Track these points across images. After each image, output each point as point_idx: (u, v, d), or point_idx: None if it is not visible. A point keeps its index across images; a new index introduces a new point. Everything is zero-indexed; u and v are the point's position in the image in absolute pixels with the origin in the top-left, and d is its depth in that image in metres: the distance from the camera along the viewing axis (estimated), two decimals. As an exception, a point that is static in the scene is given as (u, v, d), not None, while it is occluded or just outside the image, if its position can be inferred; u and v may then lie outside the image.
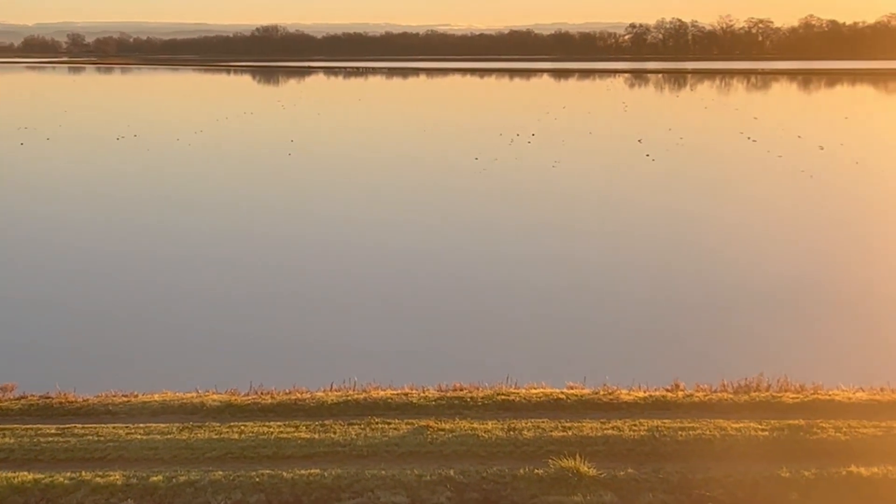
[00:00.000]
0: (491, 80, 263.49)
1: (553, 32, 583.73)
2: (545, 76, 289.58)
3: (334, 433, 18.40)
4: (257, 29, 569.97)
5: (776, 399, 19.90)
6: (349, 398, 20.31)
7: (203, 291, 35.73)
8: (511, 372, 22.16)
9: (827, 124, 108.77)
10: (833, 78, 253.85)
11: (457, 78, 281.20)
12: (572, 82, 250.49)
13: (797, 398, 19.96)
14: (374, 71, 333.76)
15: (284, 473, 16.71)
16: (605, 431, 18.19)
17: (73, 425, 18.99)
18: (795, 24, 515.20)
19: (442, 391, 20.87)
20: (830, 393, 20.36)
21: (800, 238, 44.26)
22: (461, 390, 20.88)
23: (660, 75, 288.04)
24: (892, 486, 15.62)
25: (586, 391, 20.58)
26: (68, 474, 16.72)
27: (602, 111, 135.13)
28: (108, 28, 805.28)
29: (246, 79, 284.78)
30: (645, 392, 20.69)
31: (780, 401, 19.82)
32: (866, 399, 19.90)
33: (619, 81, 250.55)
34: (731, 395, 20.22)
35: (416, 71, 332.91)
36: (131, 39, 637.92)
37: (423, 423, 18.78)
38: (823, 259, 39.97)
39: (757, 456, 16.98)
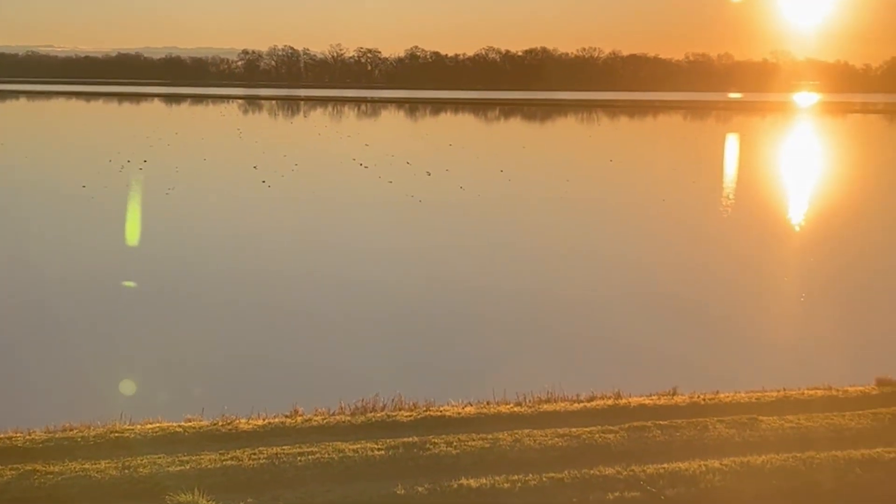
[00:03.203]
0: (98, 105, 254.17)
1: (164, 56, 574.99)
2: (156, 101, 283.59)
3: (-73, 487, 16.85)
4: None
5: (391, 418, 20.49)
6: (-56, 447, 18.70)
7: None
8: (126, 408, 21.33)
9: (433, 151, 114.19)
10: (438, 107, 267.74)
11: (61, 101, 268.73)
12: (185, 108, 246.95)
13: (411, 416, 20.63)
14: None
15: None
16: (224, 462, 17.94)
17: None
18: (402, 54, 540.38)
19: (50, 432, 19.69)
20: (442, 409, 21.20)
21: (412, 261, 46.04)
22: (71, 430, 19.79)
23: (273, 102, 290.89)
24: (496, 495, 16.57)
25: (205, 423, 20.17)
26: None
27: (216, 137, 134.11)
28: None
29: None
30: (264, 420, 20.60)
31: (396, 419, 20.42)
32: (474, 413, 20.92)
33: (233, 107, 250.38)
34: (348, 417, 20.57)
35: (16, 94, 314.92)
36: None
37: (29, 467, 17.64)
38: (433, 278, 41.79)
39: (374, 475, 17.42)
